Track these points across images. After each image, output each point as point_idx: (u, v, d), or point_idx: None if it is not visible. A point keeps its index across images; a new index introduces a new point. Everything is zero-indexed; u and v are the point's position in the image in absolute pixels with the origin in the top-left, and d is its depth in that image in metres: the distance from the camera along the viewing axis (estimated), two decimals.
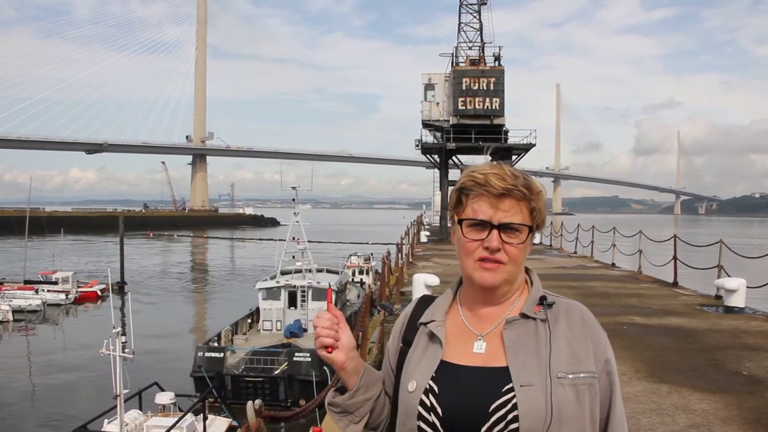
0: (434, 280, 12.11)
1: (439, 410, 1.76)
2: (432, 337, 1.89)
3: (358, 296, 36.23)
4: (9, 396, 25.14)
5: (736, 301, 12.98)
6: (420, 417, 1.78)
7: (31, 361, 31.46)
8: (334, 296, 2.27)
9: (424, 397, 1.78)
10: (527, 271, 1.94)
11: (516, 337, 1.79)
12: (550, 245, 35.18)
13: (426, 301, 2.05)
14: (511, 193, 1.77)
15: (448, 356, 1.84)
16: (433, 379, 1.79)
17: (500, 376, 1.73)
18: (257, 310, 29.40)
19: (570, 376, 1.72)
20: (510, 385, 1.70)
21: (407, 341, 1.97)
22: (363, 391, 1.95)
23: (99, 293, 46.85)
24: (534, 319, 1.81)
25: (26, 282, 47.39)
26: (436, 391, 1.77)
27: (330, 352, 1.88)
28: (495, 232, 1.77)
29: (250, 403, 5.00)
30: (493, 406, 1.69)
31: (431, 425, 1.75)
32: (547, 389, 1.68)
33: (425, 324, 1.93)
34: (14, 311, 39.32)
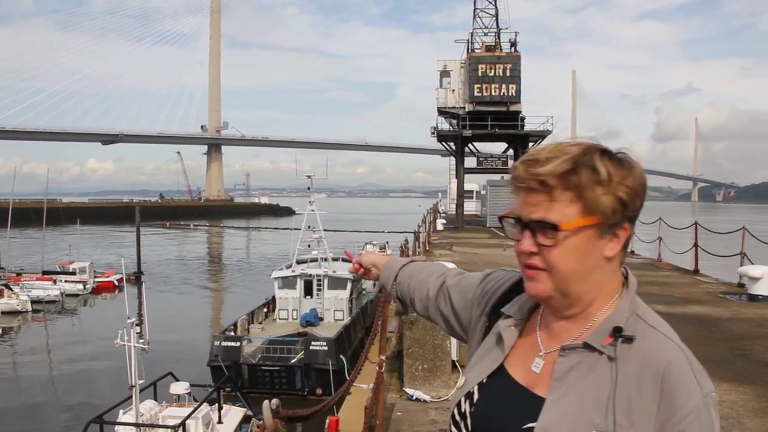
0: (453, 268, 11.91)
1: (469, 421, 1.55)
2: (500, 337, 1.62)
3: (374, 285, 36.10)
4: (27, 386, 25.29)
5: (761, 289, 12.67)
6: (453, 420, 1.59)
7: (49, 351, 31.64)
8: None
9: (463, 401, 1.57)
10: (626, 276, 1.53)
11: (568, 370, 1.44)
12: None
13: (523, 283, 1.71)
14: (541, 184, 1.41)
15: (509, 363, 1.57)
16: (480, 384, 1.57)
17: (534, 408, 1.42)
18: (273, 299, 29.34)
19: None
20: (532, 426, 1.40)
21: (491, 323, 1.70)
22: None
23: (116, 283, 47.01)
24: (600, 352, 1.42)
25: (44, 272, 47.73)
26: (475, 400, 1.55)
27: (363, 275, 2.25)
28: (526, 232, 1.44)
29: (266, 402, 4.80)
30: None
31: None
32: None
33: (504, 316, 1.65)
34: (33, 301, 39.59)
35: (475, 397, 1.55)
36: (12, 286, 41.03)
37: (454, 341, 7.56)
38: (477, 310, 1.79)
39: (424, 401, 7.25)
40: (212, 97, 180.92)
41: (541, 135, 41.43)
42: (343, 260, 33.08)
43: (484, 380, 1.56)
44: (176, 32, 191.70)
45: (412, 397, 7.32)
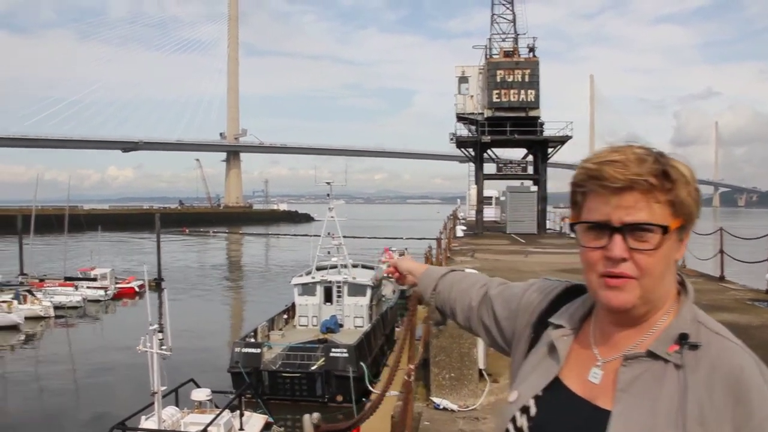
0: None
1: None
2: (552, 348, 1.57)
3: (393, 292, 36.00)
4: (50, 391, 25.47)
5: None
6: None
7: (71, 356, 31.84)
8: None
9: (518, 415, 1.51)
10: (681, 282, 1.50)
11: (633, 379, 1.39)
12: None
13: (570, 293, 1.68)
14: (635, 184, 1.36)
15: (564, 374, 1.52)
16: (536, 397, 1.51)
17: (599, 421, 1.37)
18: (293, 305, 29.34)
19: None
20: None
21: (538, 334, 1.65)
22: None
23: (137, 289, 47.35)
24: (665, 361, 1.37)
25: (66, 279, 48.18)
26: (532, 414, 1.50)
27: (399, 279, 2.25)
28: (617, 236, 1.37)
29: (307, 416, 4.74)
30: None
31: None
32: None
33: (554, 326, 1.60)
34: (55, 307, 39.97)
35: (532, 410, 1.49)
36: (35, 292, 41.46)
37: (481, 350, 7.48)
38: (521, 321, 1.74)
39: (452, 410, 7.16)
40: (230, 105, 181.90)
41: (561, 140, 41.20)
42: (363, 267, 33.02)
43: (540, 393, 1.51)
44: (194, 40, 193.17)
45: (439, 406, 7.24)
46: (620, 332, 1.46)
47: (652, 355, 1.38)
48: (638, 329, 1.44)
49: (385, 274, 2.32)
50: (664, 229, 1.36)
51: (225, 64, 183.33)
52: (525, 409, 1.51)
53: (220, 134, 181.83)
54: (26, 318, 37.07)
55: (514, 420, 1.51)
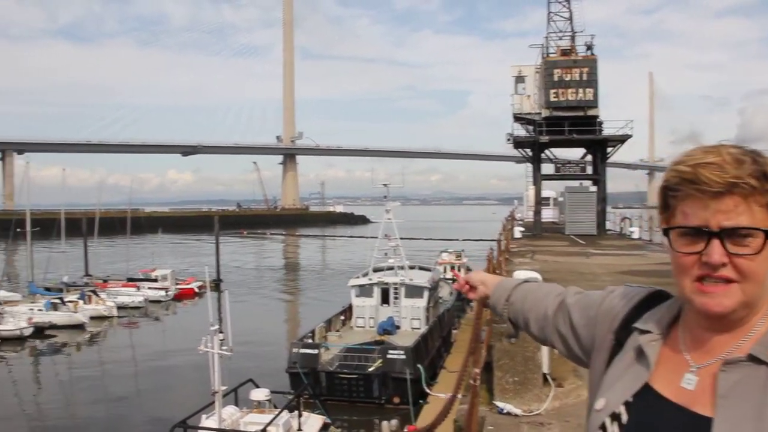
0: (536, 278, 11.60)
1: None
2: (640, 353, 1.50)
3: (450, 293, 35.79)
4: (113, 390, 26.06)
5: None
6: None
7: (133, 355, 32.59)
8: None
9: (608, 422, 1.47)
10: None
11: (734, 385, 1.33)
12: (650, 240, 33.79)
13: (654, 298, 1.63)
14: (735, 188, 1.30)
15: (654, 380, 1.46)
16: (626, 404, 1.46)
17: (700, 429, 1.32)
18: (350, 307, 29.41)
19: None
20: None
21: (620, 340, 1.60)
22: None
23: (196, 290, 48.21)
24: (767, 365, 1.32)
25: (129, 279, 49.42)
26: (623, 421, 1.44)
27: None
28: (715, 241, 1.33)
29: (385, 423, 4.68)
30: None
31: None
32: None
33: (640, 332, 1.55)
34: (118, 307, 41.04)
35: (623, 417, 1.45)
36: (99, 293, 42.62)
37: (545, 353, 7.29)
38: (602, 328, 1.69)
39: (516, 415, 6.99)
40: (286, 108, 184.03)
41: (621, 139, 40.35)
42: (420, 268, 32.90)
43: (630, 399, 1.46)
44: (251, 46, 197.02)
45: (502, 410, 7.07)
46: (714, 337, 1.41)
47: (753, 359, 1.32)
48: (734, 334, 1.39)
49: (456, 289, 2.30)
50: (766, 233, 1.32)
51: (281, 68, 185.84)
52: (615, 416, 1.47)
53: (277, 137, 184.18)
54: (91, 317, 38.14)
55: (603, 427, 1.48)
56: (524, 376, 7.14)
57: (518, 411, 7.04)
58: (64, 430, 21.98)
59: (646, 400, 1.45)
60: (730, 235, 1.32)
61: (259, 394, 17.25)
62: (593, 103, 39.71)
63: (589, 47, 41.08)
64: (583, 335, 1.76)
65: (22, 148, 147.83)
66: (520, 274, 11.91)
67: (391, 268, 29.56)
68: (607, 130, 40.59)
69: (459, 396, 6.29)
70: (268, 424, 15.12)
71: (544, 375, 7.40)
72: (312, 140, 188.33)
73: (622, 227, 40.85)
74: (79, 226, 59.35)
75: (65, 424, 22.49)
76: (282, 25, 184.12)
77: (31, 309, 37.64)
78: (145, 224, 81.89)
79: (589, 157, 42.09)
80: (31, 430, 21.92)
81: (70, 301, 39.14)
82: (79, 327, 36.91)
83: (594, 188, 40.29)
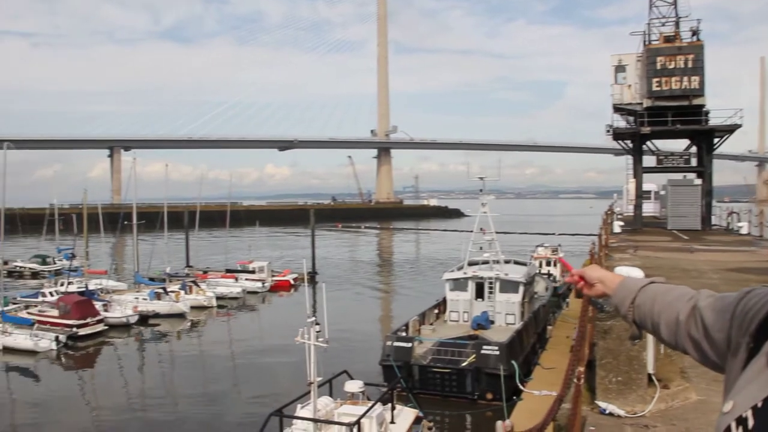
0: (638, 274, 11.13)
1: None
2: None
3: (546, 289, 35.08)
4: (212, 375, 26.93)
5: None
6: None
7: (231, 344, 33.58)
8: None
9: (733, 426, 1.41)
10: None
11: None
12: (761, 236, 32.08)
13: None
14: None
15: None
16: (755, 408, 1.38)
17: None
18: (444, 300, 29.27)
19: None
20: None
21: (758, 344, 1.51)
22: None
23: (292, 282, 49.20)
24: None
25: (227, 270, 50.92)
26: (749, 426, 1.38)
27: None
28: None
29: (499, 423, 4.58)
30: None
31: None
32: None
33: None
34: (217, 297, 42.38)
35: (750, 422, 1.38)
36: (199, 283, 44.13)
37: (650, 353, 6.95)
38: (738, 331, 1.62)
39: (618, 416, 6.70)
40: (381, 102, 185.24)
41: (729, 130, 38.35)
42: (515, 263, 32.35)
43: (759, 404, 1.39)
44: (345, 41, 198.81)
45: (605, 411, 6.79)
46: None
47: None
48: None
49: (567, 282, 2.18)
50: None
51: (375, 63, 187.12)
52: (741, 420, 1.41)
53: (371, 131, 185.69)
54: (191, 307, 39.56)
55: (729, 431, 1.42)
56: (628, 376, 6.84)
57: (621, 412, 6.74)
58: (166, 413, 22.82)
59: None
60: None
61: (353, 386, 17.34)
62: (699, 92, 37.86)
63: (695, 33, 39.21)
64: (718, 339, 1.69)
65: (128, 145, 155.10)
66: (622, 270, 11.48)
67: (486, 262, 29.21)
68: (714, 120, 38.71)
69: (546, 393, 6.07)
70: (362, 415, 15.17)
71: (649, 375, 7.07)
72: (406, 134, 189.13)
73: (728, 222, 38.91)
74: (181, 219, 61.64)
75: (167, 408, 23.36)
76: (376, 19, 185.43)
77: (136, 298, 39.47)
78: (243, 217, 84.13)
79: (693, 149, 40.28)
80: (134, 412, 22.87)
81: (172, 291, 40.75)
82: (180, 316, 38.37)
83: (699, 181, 38.54)
